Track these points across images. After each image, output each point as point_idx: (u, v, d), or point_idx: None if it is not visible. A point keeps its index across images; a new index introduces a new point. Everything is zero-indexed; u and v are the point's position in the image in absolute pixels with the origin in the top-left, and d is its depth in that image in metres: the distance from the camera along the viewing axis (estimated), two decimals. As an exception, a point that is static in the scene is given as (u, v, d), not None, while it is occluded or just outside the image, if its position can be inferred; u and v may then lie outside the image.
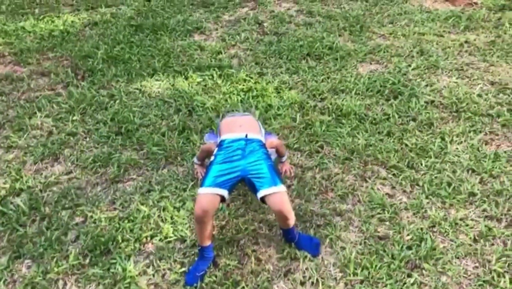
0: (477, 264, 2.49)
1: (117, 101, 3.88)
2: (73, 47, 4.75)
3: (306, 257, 2.53)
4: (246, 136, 2.63)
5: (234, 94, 3.89)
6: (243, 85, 4.02)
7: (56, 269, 2.54)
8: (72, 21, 5.33)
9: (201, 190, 2.43)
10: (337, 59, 4.39)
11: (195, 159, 3.08)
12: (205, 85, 4.06)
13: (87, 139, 3.51)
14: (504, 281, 2.38)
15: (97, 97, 3.93)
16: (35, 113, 3.79)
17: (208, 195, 2.40)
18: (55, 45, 4.81)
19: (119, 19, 5.30)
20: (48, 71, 4.36)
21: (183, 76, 4.19)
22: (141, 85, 4.10)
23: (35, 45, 4.82)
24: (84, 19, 5.39)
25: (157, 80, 4.17)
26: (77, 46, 4.76)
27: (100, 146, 3.42)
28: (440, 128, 3.47)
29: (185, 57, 4.52)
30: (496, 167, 3.08)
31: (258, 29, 5.06)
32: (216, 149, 2.64)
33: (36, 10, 5.64)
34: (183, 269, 2.52)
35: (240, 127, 2.72)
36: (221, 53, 4.59)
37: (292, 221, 2.49)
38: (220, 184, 2.42)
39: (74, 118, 3.72)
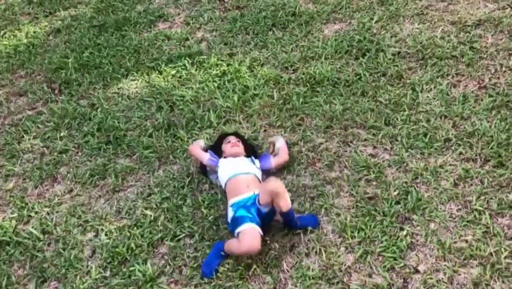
0: (460, 207, 2.73)
1: (99, 110, 3.97)
2: (42, 60, 4.76)
3: (306, 230, 2.75)
4: (254, 193, 2.80)
5: (209, 81, 4.00)
6: (217, 70, 4.12)
7: (81, 286, 2.74)
8: (34, 32, 5.29)
9: (246, 226, 2.62)
10: (301, 24, 4.48)
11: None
12: (180, 77, 4.15)
13: (79, 154, 3.64)
14: (485, 218, 2.63)
15: (78, 109, 4.02)
16: (23, 136, 3.88)
17: (256, 231, 2.61)
18: (24, 61, 4.81)
19: (81, 21, 5.27)
20: (24, 90, 4.41)
21: (157, 71, 4.27)
22: (118, 88, 4.18)
23: (3, 64, 4.82)
24: (45, 27, 5.35)
25: (132, 80, 4.25)
26: (46, 58, 4.77)
27: (93, 159, 3.55)
28: (409, 79, 3.64)
29: (155, 50, 4.58)
30: (466, 109, 3.28)
31: (220, 6, 5.08)
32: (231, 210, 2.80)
33: (-5, 26, 5.57)
34: (197, 263, 2.74)
35: (247, 187, 2.85)
36: (188, 39, 4.65)
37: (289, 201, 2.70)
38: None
39: (62, 134, 3.82)
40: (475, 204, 2.70)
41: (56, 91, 4.31)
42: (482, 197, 2.74)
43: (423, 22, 4.19)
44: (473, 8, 4.20)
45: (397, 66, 3.77)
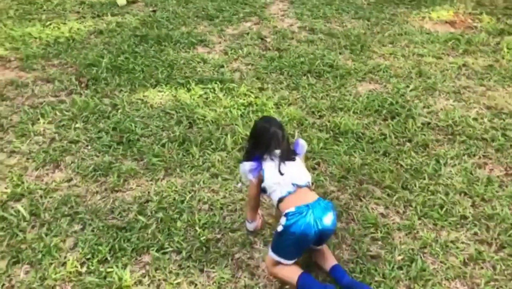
0: (466, 287, 2.55)
1: (120, 111, 3.95)
2: (78, 54, 4.82)
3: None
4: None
5: (234, 108, 3.96)
6: (244, 100, 4.09)
7: (53, 276, 2.59)
8: (78, 28, 5.41)
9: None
10: (337, 77, 4.48)
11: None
12: (207, 98, 4.13)
13: (89, 147, 3.58)
14: (492, 305, 2.44)
15: (100, 106, 4.00)
16: (38, 119, 3.86)
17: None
18: (60, 52, 4.88)
19: (124, 28, 5.38)
20: (53, 77, 4.43)
21: (186, 88, 4.26)
22: (143, 96, 4.17)
23: (40, 51, 4.90)
24: (89, 26, 5.47)
25: (159, 91, 4.24)
26: (82, 54, 4.83)
27: (101, 155, 3.48)
28: (435, 150, 3.54)
29: (188, 69, 4.60)
30: (488, 191, 3.15)
31: (261, 44, 5.14)
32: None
33: (43, 16, 5.72)
34: (178, 280, 2.57)
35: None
36: (223, 66, 4.67)
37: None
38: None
39: (77, 125, 3.78)
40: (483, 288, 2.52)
41: (83, 85, 4.32)
42: (492, 283, 2.55)
43: (458, 101, 4.15)
44: (511, 98, 4.15)
45: (424, 135, 3.68)
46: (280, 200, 2.52)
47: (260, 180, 2.61)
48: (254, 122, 2.87)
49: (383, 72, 4.58)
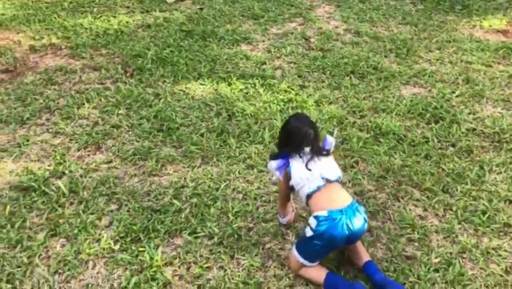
0: (506, 295, 2.43)
1: (162, 100, 4.02)
2: (125, 46, 4.95)
3: (328, 268, 2.53)
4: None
5: (274, 103, 3.96)
6: (284, 96, 4.08)
7: (87, 251, 2.65)
8: (126, 22, 5.55)
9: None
10: (380, 79, 4.40)
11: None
12: (247, 93, 4.14)
13: (130, 132, 3.65)
14: (533, 315, 2.31)
15: (143, 95, 4.08)
16: (84, 104, 3.97)
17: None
18: (108, 42, 5.02)
19: (171, 23, 5.49)
20: (100, 66, 4.56)
21: (227, 82, 4.29)
22: (186, 87, 4.23)
23: (90, 41, 5.06)
24: (138, 20, 5.61)
25: (201, 84, 4.29)
26: (129, 45, 4.96)
27: (141, 140, 3.54)
28: (479, 157, 3.41)
29: (231, 64, 4.64)
30: (535, 201, 3.00)
31: (304, 44, 5.13)
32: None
33: (95, 9, 5.92)
34: (208, 264, 2.57)
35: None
36: (266, 63, 4.68)
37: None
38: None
39: (120, 112, 3.87)
40: (525, 298, 2.39)
41: (128, 74, 4.42)
42: (535, 293, 2.42)
43: (507, 109, 3.99)
44: None
45: (469, 140, 3.56)
46: (309, 196, 2.45)
47: (288, 177, 2.52)
48: (285, 120, 2.76)
49: (429, 76, 4.46)
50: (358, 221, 2.38)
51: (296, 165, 2.49)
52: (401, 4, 6.32)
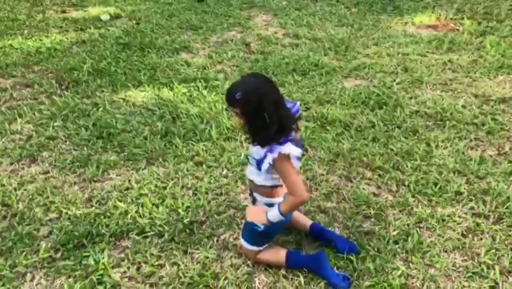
0: (465, 257, 2.40)
1: (100, 109, 3.83)
2: (58, 61, 4.74)
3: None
4: None
5: (219, 102, 3.87)
6: (229, 96, 4.00)
7: (24, 262, 2.40)
8: (60, 40, 5.35)
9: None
10: (322, 74, 4.43)
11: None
12: (190, 95, 4.04)
13: (67, 142, 3.43)
14: (494, 273, 2.28)
15: (80, 105, 3.88)
16: (16, 119, 3.72)
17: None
18: (41, 60, 4.80)
19: (107, 38, 5.34)
20: (33, 82, 4.33)
21: (169, 87, 4.17)
22: (125, 95, 4.07)
23: (21, 60, 4.81)
24: (72, 38, 5.42)
25: (141, 90, 4.14)
26: (63, 61, 4.75)
27: (79, 149, 3.34)
28: (425, 135, 3.45)
29: (172, 71, 4.53)
30: (482, 169, 3.04)
31: (245, 49, 5.11)
32: None
33: (25, 31, 5.67)
34: (160, 262, 2.39)
35: None
36: (208, 68, 4.61)
37: None
38: None
39: (56, 124, 3.65)
40: (483, 257, 2.37)
41: (63, 87, 4.21)
42: (492, 252, 2.40)
43: (446, 91, 4.10)
44: (499, 87, 4.11)
45: (414, 121, 3.60)
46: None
47: None
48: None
49: (369, 69, 4.54)
50: None
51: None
52: (336, 9, 6.50)
